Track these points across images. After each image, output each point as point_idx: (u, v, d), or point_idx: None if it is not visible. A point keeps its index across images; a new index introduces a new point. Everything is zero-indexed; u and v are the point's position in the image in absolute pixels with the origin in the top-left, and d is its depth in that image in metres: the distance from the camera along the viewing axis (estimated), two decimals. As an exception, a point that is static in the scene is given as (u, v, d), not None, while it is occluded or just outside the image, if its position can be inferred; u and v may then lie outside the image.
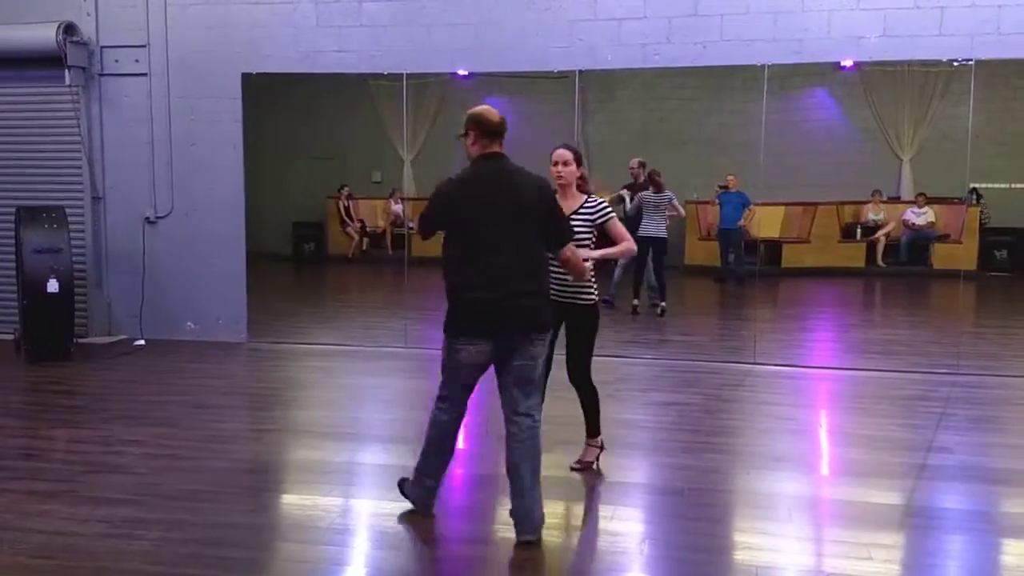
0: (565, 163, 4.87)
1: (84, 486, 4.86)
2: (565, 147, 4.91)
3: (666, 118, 13.31)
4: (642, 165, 10.40)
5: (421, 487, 4.43)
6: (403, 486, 4.54)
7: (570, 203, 4.83)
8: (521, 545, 4.06)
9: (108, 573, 3.82)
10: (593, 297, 4.88)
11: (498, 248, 4.01)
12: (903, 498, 4.79)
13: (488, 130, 4.13)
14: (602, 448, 5.15)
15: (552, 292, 4.47)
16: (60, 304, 8.01)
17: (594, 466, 5.11)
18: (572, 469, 5.05)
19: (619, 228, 4.91)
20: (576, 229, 4.63)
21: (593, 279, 4.81)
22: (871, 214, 13.19)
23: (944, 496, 4.85)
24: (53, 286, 7.94)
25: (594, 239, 4.89)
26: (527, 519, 4.10)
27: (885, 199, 13.22)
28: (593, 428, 5.14)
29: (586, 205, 4.89)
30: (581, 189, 4.94)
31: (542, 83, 10.18)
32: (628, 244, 4.94)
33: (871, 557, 3.98)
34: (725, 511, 4.67)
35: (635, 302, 10.13)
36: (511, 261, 4.02)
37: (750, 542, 4.21)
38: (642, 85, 13.09)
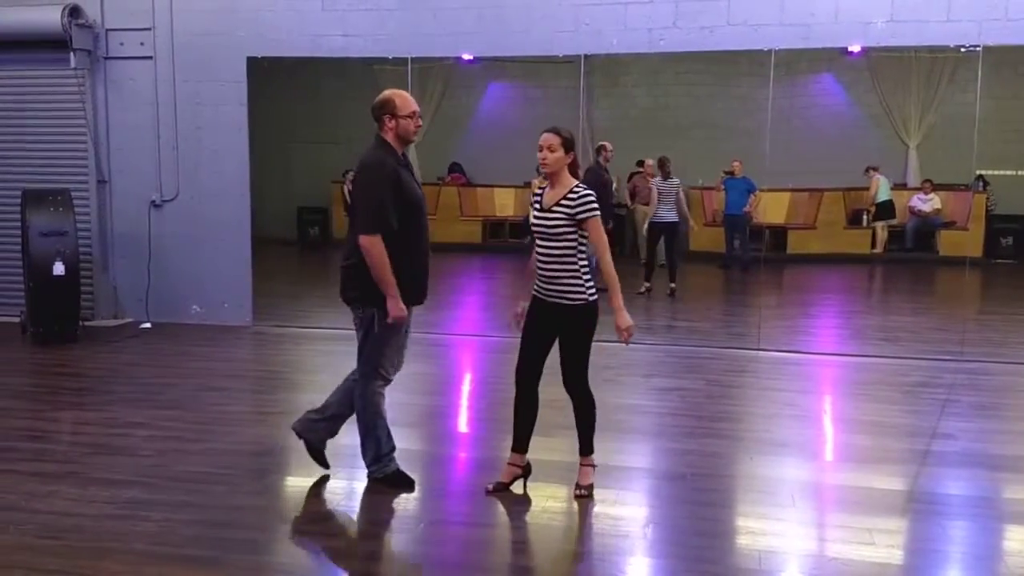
0: (550, 148, 4.32)
1: (90, 468, 4.89)
2: (552, 131, 4.37)
3: (671, 104, 13.26)
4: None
5: None
6: None
7: (556, 192, 4.35)
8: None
9: (113, 554, 3.84)
10: (583, 296, 4.34)
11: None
12: (906, 484, 4.80)
13: None
14: (594, 467, 4.57)
15: (537, 289, 4.47)
16: (66, 287, 8.04)
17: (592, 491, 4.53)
18: (577, 497, 4.49)
19: (597, 230, 4.30)
20: (553, 221, 4.30)
21: (586, 274, 4.35)
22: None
23: (947, 482, 4.85)
24: (59, 269, 7.96)
25: (577, 234, 4.31)
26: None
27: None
28: (585, 445, 4.55)
29: (569, 195, 4.30)
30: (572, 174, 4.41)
31: (547, 68, 10.15)
32: (603, 254, 4.34)
33: (874, 542, 4.00)
34: (728, 496, 4.69)
35: (647, 285, 10.29)
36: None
37: (753, 527, 4.22)
38: (647, 70, 13.03)
